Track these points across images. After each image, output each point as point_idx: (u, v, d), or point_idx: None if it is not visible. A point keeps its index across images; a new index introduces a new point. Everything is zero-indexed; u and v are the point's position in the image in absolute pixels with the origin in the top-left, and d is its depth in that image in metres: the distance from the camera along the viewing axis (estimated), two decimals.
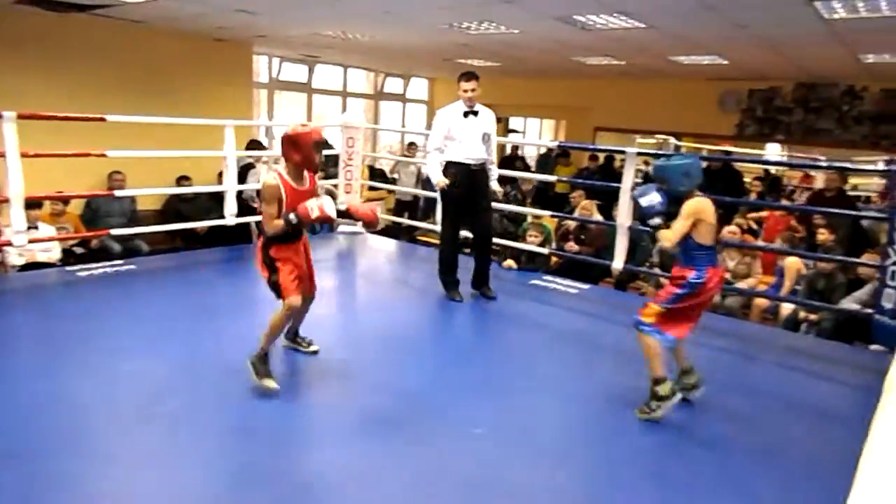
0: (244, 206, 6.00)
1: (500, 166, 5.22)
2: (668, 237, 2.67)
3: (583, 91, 10.45)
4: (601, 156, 9.41)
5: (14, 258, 5.24)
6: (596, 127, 10.59)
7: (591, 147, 9.60)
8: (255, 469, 2.23)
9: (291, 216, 2.71)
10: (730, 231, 5.47)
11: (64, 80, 6.76)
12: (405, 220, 7.39)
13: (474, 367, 3.33)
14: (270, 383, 2.75)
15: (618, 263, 4.75)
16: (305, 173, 2.86)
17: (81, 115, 4.86)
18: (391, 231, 7.90)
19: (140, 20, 6.77)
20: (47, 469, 2.17)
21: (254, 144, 7.89)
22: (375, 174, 9.47)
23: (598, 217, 5.94)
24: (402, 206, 8.86)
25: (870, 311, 3.71)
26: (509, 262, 5.50)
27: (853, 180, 8.41)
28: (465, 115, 4.29)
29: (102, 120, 4.68)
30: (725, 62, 7.39)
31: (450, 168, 4.27)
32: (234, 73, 8.52)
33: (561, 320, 4.24)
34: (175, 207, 7.13)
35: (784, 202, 7.63)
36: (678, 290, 2.66)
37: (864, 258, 4.65)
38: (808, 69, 7.67)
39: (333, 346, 3.39)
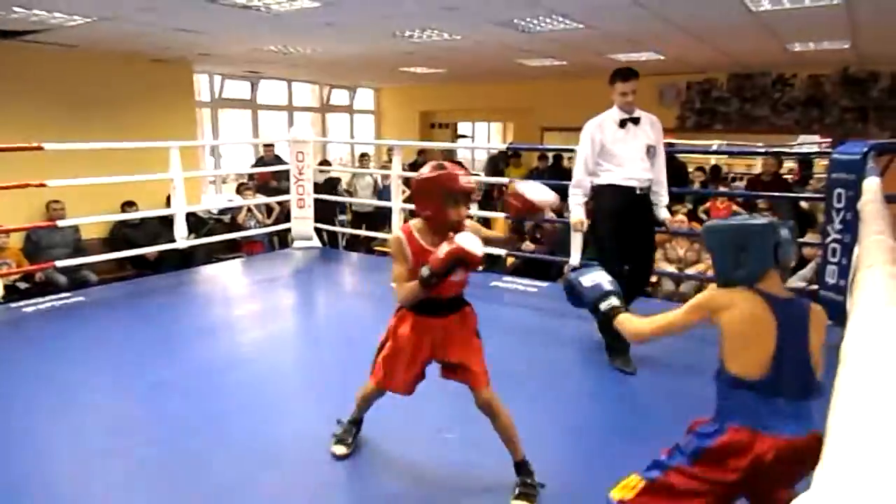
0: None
1: None
2: (639, 330, 1.68)
3: (527, 93, 10.61)
4: (549, 155, 9.56)
5: None
6: (542, 127, 10.76)
7: (541, 147, 9.75)
8: (220, 497, 2.19)
9: (424, 269, 1.95)
10: (678, 220, 5.65)
11: (6, 110, 6.51)
12: (363, 232, 7.33)
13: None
14: (339, 449, 2.39)
15: (574, 260, 4.83)
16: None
17: (17, 145, 4.69)
18: (350, 244, 7.89)
19: (74, 44, 6.58)
20: None
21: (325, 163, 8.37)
22: (332, 187, 9.40)
23: (550, 215, 6.04)
24: (359, 219, 8.72)
25: (815, 287, 3.89)
26: None
27: (788, 164, 8.78)
28: (623, 124, 3.36)
29: (40, 149, 4.52)
30: (662, 57, 7.62)
31: (605, 195, 3.33)
32: (175, 94, 8.35)
33: (523, 318, 4.29)
34: (122, 234, 6.93)
35: (724, 189, 7.91)
36: (684, 448, 1.54)
37: (807, 238, 4.86)
38: (740, 60, 7.98)
39: (293, 362, 3.35)
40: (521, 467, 2.15)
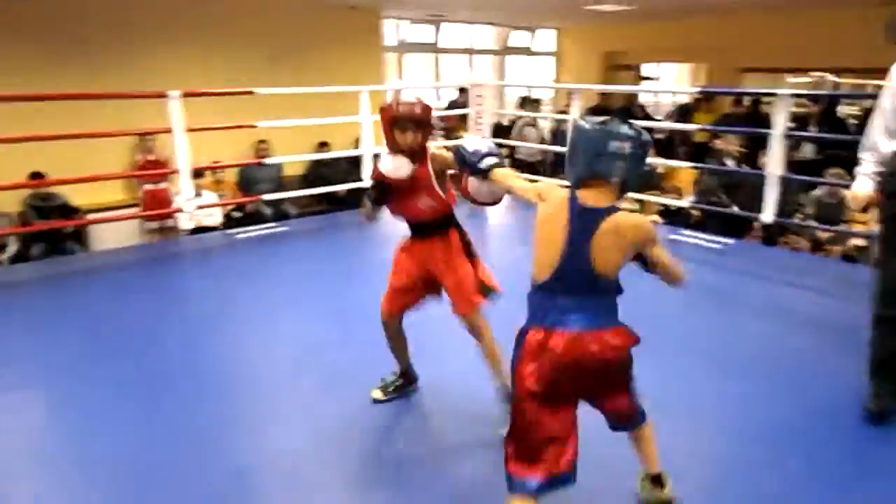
0: None
1: (619, 117, 4.79)
2: (497, 179, 1.89)
3: (724, 30, 9.64)
4: (746, 100, 8.70)
5: (184, 223, 5.86)
6: (740, 68, 9.76)
7: (737, 91, 8.89)
8: (403, 405, 2.40)
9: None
10: None
11: (214, 58, 7.31)
12: (543, 179, 7.19)
13: None
14: (376, 394, 2.51)
15: (766, 216, 4.43)
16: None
17: (234, 90, 5.25)
18: None
19: None
20: (223, 412, 2.48)
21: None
22: (502, 131, 9.41)
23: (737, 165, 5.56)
24: (522, 167, 8.50)
25: None
26: (654, 217, 5.34)
27: None
28: None
29: (250, 93, 5.04)
30: None
31: None
32: (363, 40, 8.77)
33: (701, 277, 4.05)
34: (317, 172, 7.57)
35: None
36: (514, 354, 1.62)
37: None
38: None
39: None
40: (504, 391, 2.23)
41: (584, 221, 1.51)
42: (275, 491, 2.04)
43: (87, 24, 6.44)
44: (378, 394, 2.53)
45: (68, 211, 5.85)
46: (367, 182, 5.63)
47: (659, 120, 9.68)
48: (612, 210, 1.52)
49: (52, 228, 5.53)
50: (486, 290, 2.32)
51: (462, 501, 1.96)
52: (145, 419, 2.40)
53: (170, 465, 2.12)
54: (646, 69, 12.54)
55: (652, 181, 6.97)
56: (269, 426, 2.38)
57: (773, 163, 4.35)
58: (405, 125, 2.20)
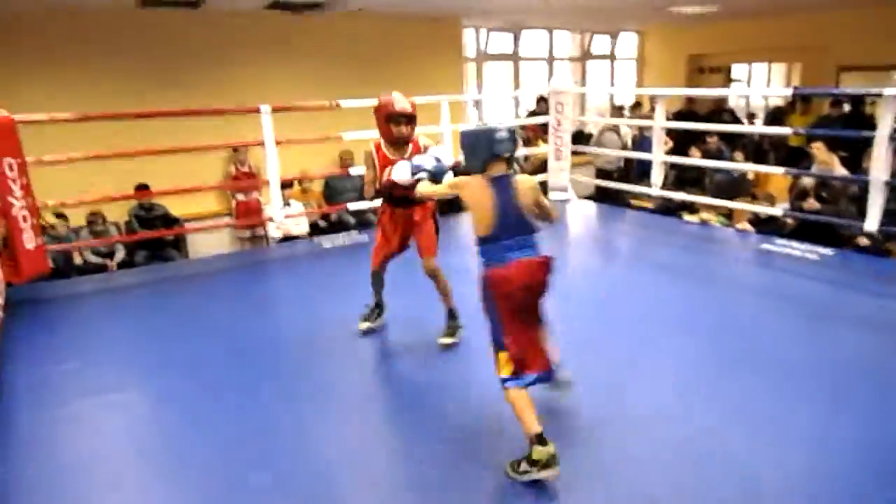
0: None
1: (705, 121, 4.65)
2: (420, 190, 2.63)
3: (820, 26, 9.12)
4: (845, 101, 8.18)
5: (273, 232, 6.12)
6: (839, 66, 9.21)
7: (836, 91, 8.39)
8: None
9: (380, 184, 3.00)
10: None
11: (303, 73, 7.62)
12: (612, 184, 7.01)
13: (692, 338, 3.19)
14: (362, 325, 3.28)
15: (871, 224, 4.15)
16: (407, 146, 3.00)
17: (320, 103, 5.45)
18: (597, 196, 7.68)
19: (360, 10, 7.34)
20: (308, 413, 2.58)
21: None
22: (583, 138, 9.29)
23: (841, 171, 5.23)
24: (604, 176, 7.96)
25: None
26: (745, 226, 5.13)
27: None
28: None
29: (337, 107, 5.21)
30: None
31: None
32: (445, 50, 8.88)
33: (796, 290, 3.84)
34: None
35: None
36: (488, 310, 2.21)
37: None
38: None
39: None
40: (451, 314, 3.12)
41: (501, 186, 2.20)
42: (355, 493, 2.10)
43: (187, 46, 6.86)
44: (364, 325, 3.27)
45: (169, 221, 6.25)
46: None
47: (747, 123, 9.26)
48: (513, 175, 2.26)
49: (155, 237, 5.92)
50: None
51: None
52: (236, 419, 2.52)
53: (259, 463, 2.21)
54: (736, 71, 12.04)
55: (742, 188, 6.68)
56: (350, 430, 2.45)
57: (878, 167, 4.08)
58: (399, 120, 2.92)
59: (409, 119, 2.93)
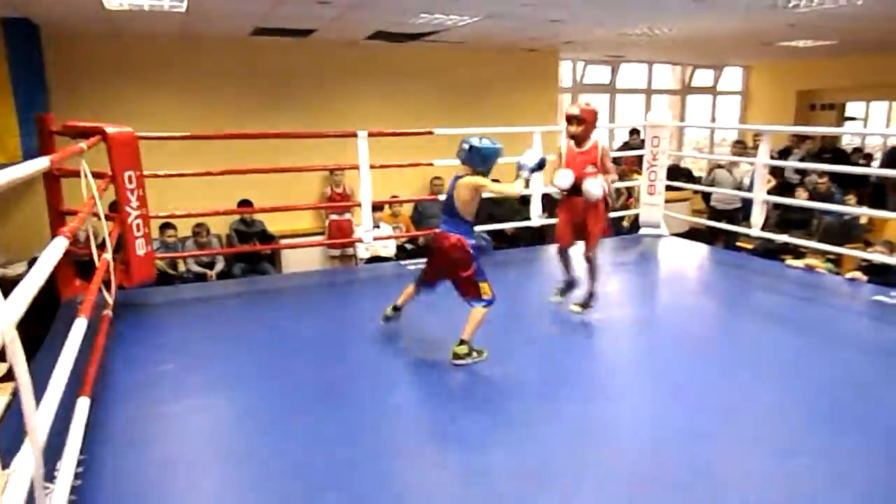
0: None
1: (827, 161, 4.38)
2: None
3: None
4: None
5: (362, 252, 6.29)
6: None
7: None
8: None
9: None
10: None
11: (400, 99, 7.86)
12: (723, 225, 6.61)
13: (795, 392, 2.97)
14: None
15: None
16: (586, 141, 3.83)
17: (414, 130, 5.59)
18: (703, 236, 7.33)
19: (460, 41, 7.51)
20: (382, 430, 2.59)
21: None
22: (680, 174, 8.99)
23: None
24: (717, 216, 7.34)
25: None
26: (856, 274, 4.77)
27: None
28: None
29: (430, 133, 5.33)
30: None
31: None
32: (541, 80, 8.91)
33: None
34: (487, 209, 7.74)
35: None
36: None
37: None
38: None
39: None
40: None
41: (454, 181, 3.22)
42: None
43: (292, 73, 7.26)
44: (555, 298, 4.06)
45: (266, 236, 6.57)
46: (538, 220, 5.69)
47: (863, 164, 8.65)
48: (461, 176, 3.20)
49: (252, 251, 6.22)
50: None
51: None
52: (314, 431, 2.58)
53: (333, 484, 2.24)
54: (851, 108, 11.33)
55: (854, 233, 6.24)
56: (428, 459, 2.44)
57: None
58: (569, 120, 3.79)
59: (576, 120, 3.73)
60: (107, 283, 3.36)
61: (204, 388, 2.99)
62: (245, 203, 6.13)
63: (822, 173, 6.79)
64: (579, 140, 3.80)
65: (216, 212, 5.15)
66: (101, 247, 3.37)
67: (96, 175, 3.95)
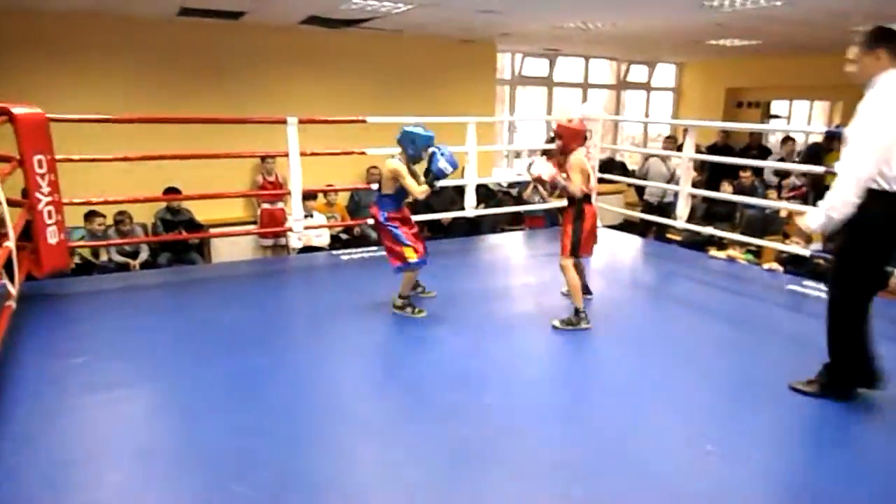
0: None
1: (739, 156, 4.53)
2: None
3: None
4: None
5: (294, 242, 6.16)
6: None
7: None
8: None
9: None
10: None
11: (335, 87, 7.73)
12: (652, 217, 6.79)
13: (698, 374, 3.08)
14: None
15: None
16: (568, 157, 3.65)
17: (347, 118, 5.51)
18: (635, 227, 7.53)
19: (397, 29, 7.44)
20: (310, 421, 2.54)
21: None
22: (614, 167, 9.20)
23: None
24: (651, 210, 7.72)
25: None
26: (773, 265, 4.99)
27: None
28: None
29: (363, 122, 5.25)
30: None
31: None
32: (479, 72, 8.93)
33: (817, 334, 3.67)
34: (424, 200, 7.71)
35: None
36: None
37: None
38: None
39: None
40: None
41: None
42: None
43: (221, 56, 7.03)
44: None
45: (194, 225, 6.35)
46: (472, 211, 5.70)
47: (780, 160, 9.02)
48: (394, 156, 3.54)
49: (179, 240, 6.01)
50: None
51: None
52: (229, 422, 2.50)
53: (250, 468, 2.18)
54: (776, 107, 11.85)
55: (773, 226, 6.51)
56: (344, 447, 2.41)
57: None
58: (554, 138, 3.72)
59: (556, 135, 3.64)
60: (10, 273, 3.17)
61: (117, 381, 2.86)
62: (172, 191, 5.91)
63: (745, 168, 7.07)
64: (562, 154, 3.65)
65: (136, 199, 4.95)
66: (4, 234, 3.17)
67: (2, 158, 3.75)
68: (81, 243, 5.33)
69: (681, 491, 2.13)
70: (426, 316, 3.69)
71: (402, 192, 3.62)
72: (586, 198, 3.63)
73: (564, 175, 3.55)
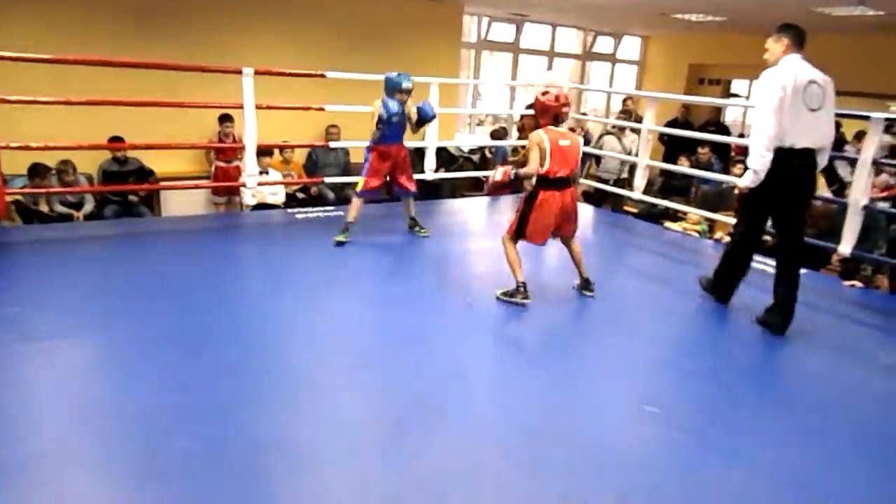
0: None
1: (711, 133, 4.64)
2: None
3: (824, 48, 9.06)
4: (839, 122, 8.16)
5: (248, 198, 6.01)
6: (839, 91, 9.18)
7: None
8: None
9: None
10: None
11: (292, 39, 7.45)
12: (610, 188, 6.82)
13: (652, 347, 3.15)
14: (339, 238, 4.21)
15: (844, 248, 4.12)
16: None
17: (306, 71, 5.33)
18: (591, 198, 7.57)
19: None
20: (253, 381, 2.50)
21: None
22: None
23: (825, 192, 5.21)
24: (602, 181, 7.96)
25: None
26: (725, 238, 5.12)
27: None
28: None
29: (322, 76, 5.10)
30: None
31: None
32: (444, 33, 8.75)
33: (751, 301, 3.77)
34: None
35: None
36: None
37: None
38: None
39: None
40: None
41: None
42: (284, 470, 2.03)
43: (183, 4, 6.68)
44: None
45: (144, 174, 6.08)
46: (432, 174, 5.64)
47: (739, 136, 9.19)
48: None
49: (126, 191, 5.78)
50: None
51: None
52: (172, 376, 2.44)
53: (194, 424, 2.13)
54: (736, 86, 12.00)
55: (726, 201, 6.64)
56: (290, 404, 2.38)
57: (858, 191, 4.05)
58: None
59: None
60: None
61: (54, 332, 2.75)
62: (116, 140, 5.64)
63: (704, 143, 7.16)
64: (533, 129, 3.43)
65: (80, 146, 4.70)
66: None
67: None
68: (16, 190, 5.08)
69: (621, 450, 2.18)
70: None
71: (387, 129, 4.22)
72: (544, 182, 3.35)
73: (521, 159, 3.52)
